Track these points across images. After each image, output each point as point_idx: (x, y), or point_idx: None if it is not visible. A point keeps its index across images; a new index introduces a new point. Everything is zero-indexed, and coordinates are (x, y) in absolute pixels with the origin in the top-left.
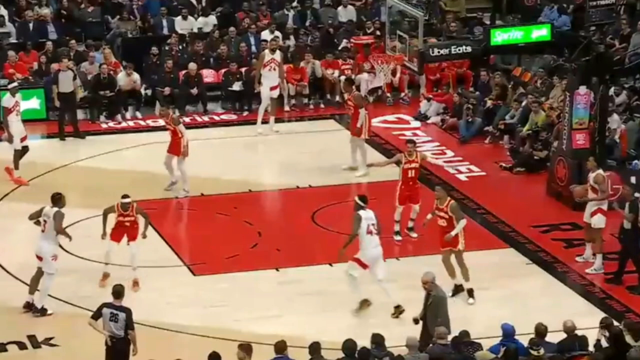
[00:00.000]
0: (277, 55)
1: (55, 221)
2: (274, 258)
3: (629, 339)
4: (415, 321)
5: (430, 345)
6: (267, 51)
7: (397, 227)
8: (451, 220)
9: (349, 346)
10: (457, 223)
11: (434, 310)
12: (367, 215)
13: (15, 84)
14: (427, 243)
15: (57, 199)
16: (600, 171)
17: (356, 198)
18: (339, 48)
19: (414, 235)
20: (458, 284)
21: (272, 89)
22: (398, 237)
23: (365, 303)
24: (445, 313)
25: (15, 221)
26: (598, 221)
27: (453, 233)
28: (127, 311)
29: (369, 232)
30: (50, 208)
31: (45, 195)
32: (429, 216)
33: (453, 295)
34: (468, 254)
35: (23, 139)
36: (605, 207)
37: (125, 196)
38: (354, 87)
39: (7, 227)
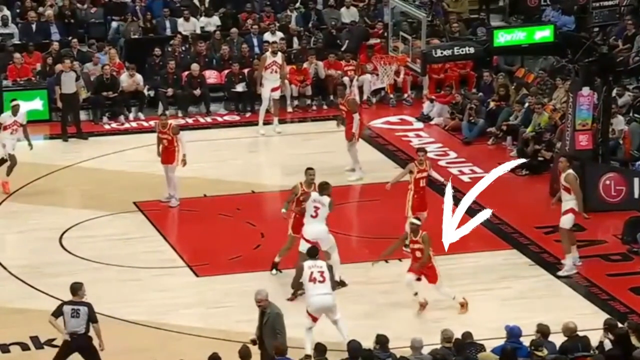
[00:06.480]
0: (279, 58)
1: (330, 209)
2: None
3: (634, 340)
4: (253, 342)
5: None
6: (268, 53)
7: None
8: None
9: (353, 347)
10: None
11: (271, 327)
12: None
13: None
14: None
15: (325, 187)
16: (571, 171)
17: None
18: (342, 49)
19: None
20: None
21: (273, 90)
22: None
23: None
24: (283, 327)
25: (17, 222)
26: (566, 221)
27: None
28: (89, 305)
29: None
30: (320, 195)
31: (46, 195)
32: None
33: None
34: (471, 254)
35: None
36: (576, 207)
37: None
38: (347, 91)
39: (9, 228)
